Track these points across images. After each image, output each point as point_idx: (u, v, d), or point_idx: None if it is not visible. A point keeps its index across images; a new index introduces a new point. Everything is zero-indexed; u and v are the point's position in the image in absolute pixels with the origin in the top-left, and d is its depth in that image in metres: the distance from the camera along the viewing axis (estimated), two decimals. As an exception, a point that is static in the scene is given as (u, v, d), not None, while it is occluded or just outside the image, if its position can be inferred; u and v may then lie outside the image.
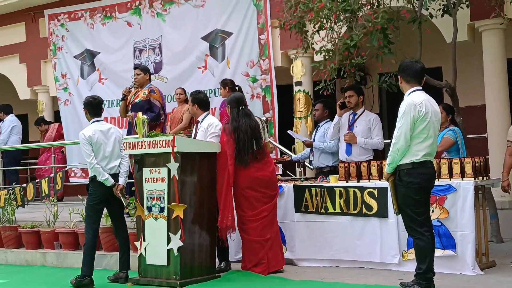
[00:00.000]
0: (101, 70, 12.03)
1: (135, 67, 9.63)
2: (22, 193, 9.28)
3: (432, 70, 9.38)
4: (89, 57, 12.15)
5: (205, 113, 7.21)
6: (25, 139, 15.43)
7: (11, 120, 12.39)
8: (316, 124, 8.53)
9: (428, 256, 5.34)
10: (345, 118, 7.79)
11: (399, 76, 5.52)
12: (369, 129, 7.65)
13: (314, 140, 8.16)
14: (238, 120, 6.83)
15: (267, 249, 6.73)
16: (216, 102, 10.27)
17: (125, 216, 8.17)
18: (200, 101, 7.20)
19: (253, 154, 6.79)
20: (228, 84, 9.19)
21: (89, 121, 7.03)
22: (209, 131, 7.04)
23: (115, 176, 6.84)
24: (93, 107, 6.98)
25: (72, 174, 12.44)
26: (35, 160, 12.73)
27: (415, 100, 5.34)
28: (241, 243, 7.00)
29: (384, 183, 5.77)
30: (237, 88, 9.39)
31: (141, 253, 6.70)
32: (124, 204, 6.91)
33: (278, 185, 7.08)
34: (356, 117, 7.74)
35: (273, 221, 6.85)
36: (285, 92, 11.05)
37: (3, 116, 12.45)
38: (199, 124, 7.21)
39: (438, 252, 6.06)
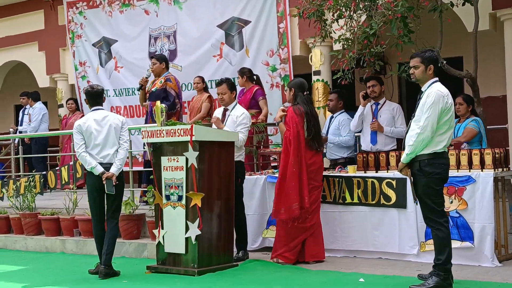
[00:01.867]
0: (117, 58, 12.03)
1: (152, 56, 9.63)
2: (42, 180, 9.34)
3: (453, 60, 9.28)
4: (106, 45, 12.16)
5: (235, 102, 7.26)
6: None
7: (41, 107, 12.44)
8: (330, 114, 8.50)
9: (448, 247, 5.31)
10: (368, 108, 7.78)
11: (430, 66, 5.44)
12: (393, 118, 7.67)
13: (327, 131, 8.12)
14: (308, 104, 6.85)
15: (305, 237, 6.69)
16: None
17: (142, 203, 8.27)
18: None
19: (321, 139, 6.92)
20: (246, 73, 9.17)
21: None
22: (241, 122, 7.06)
23: (109, 165, 6.69)
24: (91, 96, 6.90)
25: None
26: (57, 147, 12.77)
27: (443, 91, 5.32)
28: (263, 232, 7.01)
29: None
30: (255, 77, 9.38)
31: (159, 241, 6.74)
32: (105, 190, 6.61)
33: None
34: (379, 106, 7.75)
35: (316, 210, 6.80)
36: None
37: (31, 103, 12.48)
38: (228, 112, 7.18)
39: (456, 244, 6.04)
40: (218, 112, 7.37)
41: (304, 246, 6.74)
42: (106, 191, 6.63)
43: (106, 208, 6.84)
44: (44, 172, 9.62)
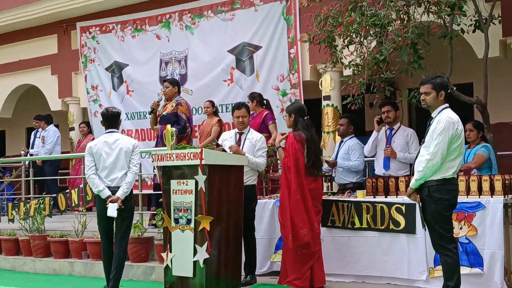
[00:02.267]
0: (128, 82, 12.14)
1: (164, 80, 9.71)
2: (51, 203, 9.37)
3: (463, 86, 9.29)
4: (117, 69, 12.28)
5: (248, 127, 7.29)
6: (55, 150, 15.64)
7: (54, 130, 12.53)
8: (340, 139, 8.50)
9: (456, 273, 5.28)
10: (382, 134, 7.80)
11: (441, 92, 5.45)
12: (407, 144, 7.69)
13: (337, 156, 8.12)
14: (308, 130, 6.76)
15: (313, 262, 6.63)
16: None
17: (151, 226, 8.27)
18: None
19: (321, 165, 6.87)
20: (256, 98, 9.21)
21: None
22: (261, 146, 7.09)
23: (117, 188, 6.66)
24: (106, 118, 6.91)
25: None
26: (67, 170, 12.83)
27: (453, 118, 5.33)
28: (272, 256, 6.98)
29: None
30: (265, 101, 9.42)
31: (167, 264, 6.72)
32: (108, 214, 6.55)
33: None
34: (393, 132, 7.77)
35: (319, 235, 6.76)
36: (314, 107, 11.03)
37: (44, 126, 12.57)
38: (244, 136, 7.17)
39: (465, 270, 5.99)
40: (228, 136, 7.34)
41: (312, 272, 6.67)
42: (107, 215, 6.58)
43: (115, 231, 6.82)
44: (54, 195, 9.65)
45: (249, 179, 7.02)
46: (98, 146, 6.76)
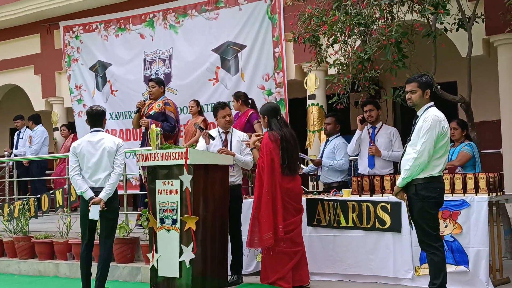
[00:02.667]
0: (112, 81, 12.09)
1: (150, 80, 9.67)
2: (36, 204, 9.31)
3: (447, 85, 9.35)
4: (101, 68, 12.22)
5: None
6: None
7: (42, 130, 12.43)
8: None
9: (443, 272, 5.31)
10: (365, 132, 7.84)
11: (427, 91, 5.47)
12: (390, 142, 7.76)
13: (322, 154, 8.13)
14: (282, 129, 6.68)
15: (294, 262, 6.56)
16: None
17: (137, 227, 8.23)
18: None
19: (298, 165, 6.77)
20: (241, 97, 9.20)
21: None
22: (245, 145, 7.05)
23: (100, 189, 6.54)
24: (90, 117, 6.80)
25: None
26: (51, 171, 12.76)
27: (439, 116, 5.35)
28: (257, 255, 6.97)
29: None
30: (250, 101, 9.41)
31: (153, 265, 6.69)
32: (89, 216, 6.44)
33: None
34: (376, 130, 7.81)
35: (300, 234, 6.69)
36: (299, 106, 11.05)
37: (32, 126, 12.47)
38: (229, 134, 7.12)
39: (450, 268, 6.02)
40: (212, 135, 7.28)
41: (295, 272, 6.58)
42: (89, 217, 6.48)
43: (100, 231, 6.75)
44: (39, 196, 9.59)
45: (237, 178, 7.01)
46: (81, 145, 6.65)
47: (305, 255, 6.72)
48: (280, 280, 6.53)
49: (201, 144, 7.14)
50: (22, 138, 12.57)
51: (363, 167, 7.85)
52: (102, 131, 6.81)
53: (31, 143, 12.23)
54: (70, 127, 12.72)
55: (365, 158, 7.81)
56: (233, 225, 6.94)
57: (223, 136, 7.15)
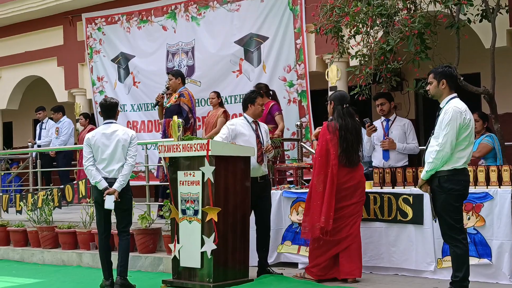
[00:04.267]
0: (135, 73, 12.14)
1: (168, 72, 9.69)
2: (59, 194, 9.40)
3: (470, 76, 9.26)
4: (123, 60, 12.27)
5: None
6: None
7: (69, 121, 12.54)
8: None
9: (465, 264, 5.27)
10: (379, 125, 7.77)
11: (443, 81, 5.43)
12: (404, 134, 7.67)
13: None
14: (344, 118, 6.58)
15: (338, 250, 6.45)
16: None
17: (159, 218, 8.29)
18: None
19: (359, 156, 6.63)
20: (262, 89, 9.19)
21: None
22: (268, 134, 7.05)
23: (114, 180, 6.63)
24: (104, 109, 6.87)
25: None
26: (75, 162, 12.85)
27: (461, 108, 5.30)
28: (278, 247, 6.97)
29: (420, 190, 5.71)
30: (271, 92, 9.41)
31: (175, 255, 6.74)
32: (105, 206, 6.56)
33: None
34: (390, 123, 7.76)
35: (352, 225, 6.51)
36: (320, 97, 11.01)
37: (58, 117, 12.51)
38: (258, 125, 7.04)
39: (473, 261, 5.99)
40: (241, 123, 7.03)
41: (337, 262, 6.50)
42: (105, 207, 6.59)
43: (117, 222, 6.84)
44: (62, 186, 9.69)
45: (266, 169, 7.02)
46: (96, 137, 6.73)
47: (359, 248, 6.54)
48: (315, 267, 6.52)
49: (225, 131, 6.96)
50: (44, 129, 12.70)
51: (378, 160, 7.76)
52: (115, 122, 6.89)
53: (58, 134, 12.30)
54: (88, 118, 12.74)
55: (380, 151, 7.74)
56: (265, 218, 6.95)
57: (254, 126, 7.02)
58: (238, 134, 6.93)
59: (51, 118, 12.74)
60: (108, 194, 6.56)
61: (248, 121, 7.03)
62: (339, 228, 6.48)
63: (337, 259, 6.51)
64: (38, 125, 12.93)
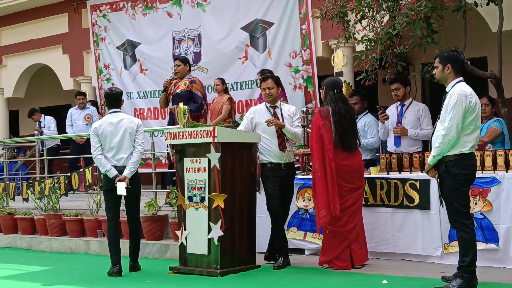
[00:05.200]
0: (142, 61, 12.12)
1: (175, 58, 9.65)
2: (66, 182, 9.42)
3: (477, 60, 9.19)
4: (130, 47, 12.25)
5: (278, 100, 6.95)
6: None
7: (94, 109, 12.40)
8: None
9: (472, 249, 5.27)
10: (393, 110, 7.72)
11: (448, 65, 5.39)
12: (418, 120, 7.59)
13: None
14: (336, 103, 6.54)
15: (350, 241, 6.50)
16: (257, 92, 10.25)
17: (166, 205, 8.30)
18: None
19: (356, 141, 6.61)
20: (266, 73, 9.16)
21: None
22: (296, 114, 6.94)
23: (123, 168, 6.81)
24: (110, 98, 7.00)
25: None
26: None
27: (466, 91, 5.26)
28: (287, 232, 7.04)
29: (426, 175, 5.69)
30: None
31: (182, 242, 6.76)
32: (117, 192, 6.73)
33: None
34: (404, 108, 7.67)
35: (357, 212, 6.56)
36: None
37: (83, 102, 12.27)
38: (278, 108, 6.91)
39: (480, 246, 5.97)
40: (259, 110, 6.98)
41: (351, 251, 6.53)
42: (117, 193, 6.76)
43: (126, 209, 6.99)
44: (68, 174, 9.71)
45: (291, 156, 6.91)
46: (103, 126, 6.85)
47: (364, 233, 6.61)
48: (336, 259, 6.53)
49: (244, 122, 6.97)
50: (44, 127, 12.81)
51: (390, 145, 7.75)
52: (120, 111, 7.04)
53: (90, 121, 12.09)
54: (93, 105, 12.69)
55: (393, 136, 7.69)
56: (285, 203, 6.93)
57: (271, 110, 6.93)
58: (257, 123, 6.89)
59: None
60: (119, 181, 6.72)
61: (266, 107, 6.97)
62: (347, 218, 6.49)
63: (348, 247, 6.53)
64: (37, 125, 12.98)
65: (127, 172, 6.79)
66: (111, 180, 6.79)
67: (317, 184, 6.50)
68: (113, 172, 6.78)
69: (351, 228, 6.50)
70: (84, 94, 12.52)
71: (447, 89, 5.43)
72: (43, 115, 13.15)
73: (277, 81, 7.18)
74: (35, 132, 12.55)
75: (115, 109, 6.98)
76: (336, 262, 6.51)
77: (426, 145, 7.53)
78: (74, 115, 12.27)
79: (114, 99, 6.99)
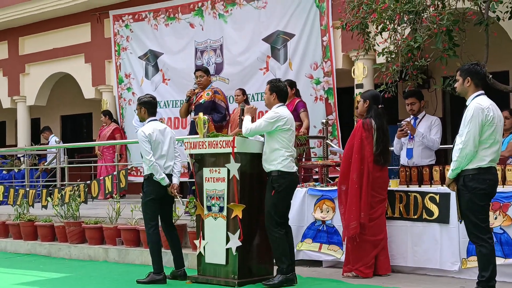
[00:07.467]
0: (164, 70, 12.21)
1: (197, 69, 9.70)
2: (86, 189, 9.49)
3: (499, 74, 9.16)
4: (152, 57, 12.35)
5: (279, 104, 6.62)
6: (89, 137, 15.84)
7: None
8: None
9: (492, 264, 5.22)
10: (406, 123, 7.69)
11: (468, 78, 5.38)
12: (430, 131, 7.55)
13: None
14: (380, 118, 6.68)
15: (378, 250, 6.62)
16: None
17: (184, 214, 8.33)
18: (280, 90, 6.58)
19: (390, 156, 6.79)
20: (295, 85, 9.20)
21: (142, 121, 7.11)
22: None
23: (169, 176, 6.94)
24: (152, 106, 7.09)
25: (133, 173, 12.60)
26: (95, 158, 12.97)
27: (483, 104, 5.23)
28: (297, 244, 6.98)
29: (446, 189, 5.66)
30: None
31: (200, 252, 6.76)
32: (181, 203, 6.97)
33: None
34: (417, 121, 7.65)
35: (384, 222, 6.71)
36: (346, 95, 10.97)
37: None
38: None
39: (499, 261, 5.92)
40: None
41: (376, 260, 6.65)
42: (175, 200, 7.07)
43: (165, 217, 7.08)
44: (88, 182, 9.78)
45: (293, 166, 6.76)
46: (155, 134, 6.92)
47: (387, 243, 6.72)
48: (362, 266, 6.60)
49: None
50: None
51: (403, 158, 7.71)
52: (158, 120, 7.22)
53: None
54: (107, 115, 12.81)
55: (405, 150, 7.66)
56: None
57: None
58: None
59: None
60: (173, 188, 6.90)
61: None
62: (377, 227, 6.61)
63: (374, 257, 6.64)
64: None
65: (176, 180, 6.94)
66: (162, 188, 6.85)
67: (350, 195, 6.57)
68: (167, 181, 6.86)
69: (381, 238, 6.62)
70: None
71: (467, 103, 5.40)
72: (52, 135, 13.56)
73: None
74: (56, 140, 12.71)
75: (154, 117, 7.08)
76: (361, 269, 6.57)
77: (439, 158, 7.50)
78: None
79: (154, 107, 7.12)
